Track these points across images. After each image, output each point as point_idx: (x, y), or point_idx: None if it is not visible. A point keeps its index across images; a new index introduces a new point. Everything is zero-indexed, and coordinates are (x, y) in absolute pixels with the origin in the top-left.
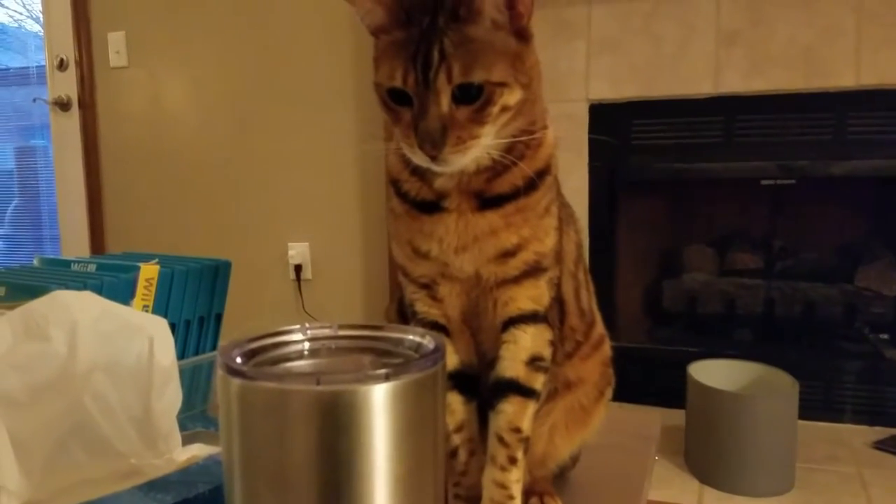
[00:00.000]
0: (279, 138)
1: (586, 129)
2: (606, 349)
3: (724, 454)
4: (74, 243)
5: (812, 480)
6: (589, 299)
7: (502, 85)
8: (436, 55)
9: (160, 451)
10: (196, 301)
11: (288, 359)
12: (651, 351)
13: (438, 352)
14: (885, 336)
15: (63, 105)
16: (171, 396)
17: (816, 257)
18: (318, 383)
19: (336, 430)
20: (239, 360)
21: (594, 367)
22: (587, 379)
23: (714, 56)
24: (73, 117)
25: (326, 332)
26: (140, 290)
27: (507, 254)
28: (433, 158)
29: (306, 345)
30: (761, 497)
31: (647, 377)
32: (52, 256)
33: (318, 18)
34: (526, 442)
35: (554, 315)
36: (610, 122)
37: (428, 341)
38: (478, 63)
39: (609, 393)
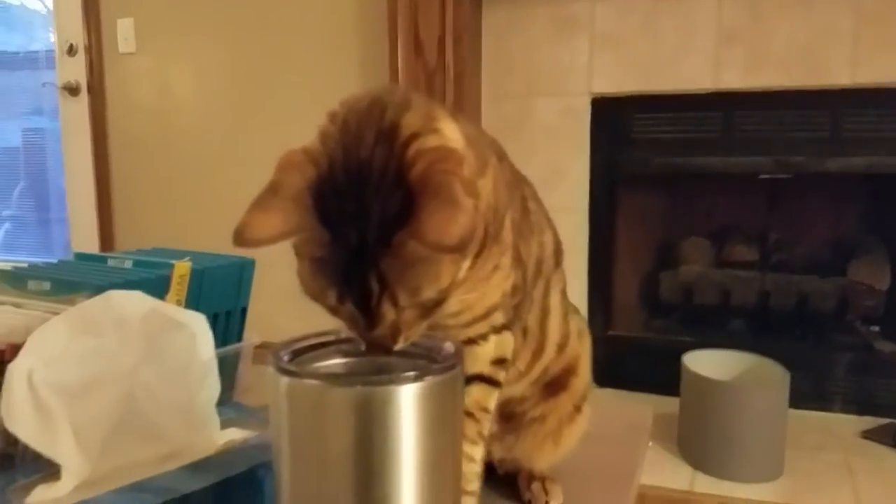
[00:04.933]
0: (286, 125)
1: (588, 123)
2: (578, 386)
3: (715, 441)
4: (83, 227)
5: (800, 468)
6: (561, 324)
7: (454, 282)
8: (374, 284)
9: (201, 435)
10: (224, 296)
11: (327, 358)
12: (647, 340)
13: (459, 355)
14: (876, 328)
15: (72, 90)
16: (210, 387)
17: (810, 251)
18: (356, 383)
19: (371, 423)
20: (286, 358)
21: (560, 405)
22: (549, 413)
23: (714, 53)
24: (82, 102)
25: None
26: (174, 286)
27: (450, 315)
28: None
29: (342, 346)
30: (751, 483)
31: (643, 366)
32: (86, 252)
33: (326, 7)
34: (490, 421)
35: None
36: (611, 117)
37: (448, 345)
38: (425, 282)
39: (587, 410)
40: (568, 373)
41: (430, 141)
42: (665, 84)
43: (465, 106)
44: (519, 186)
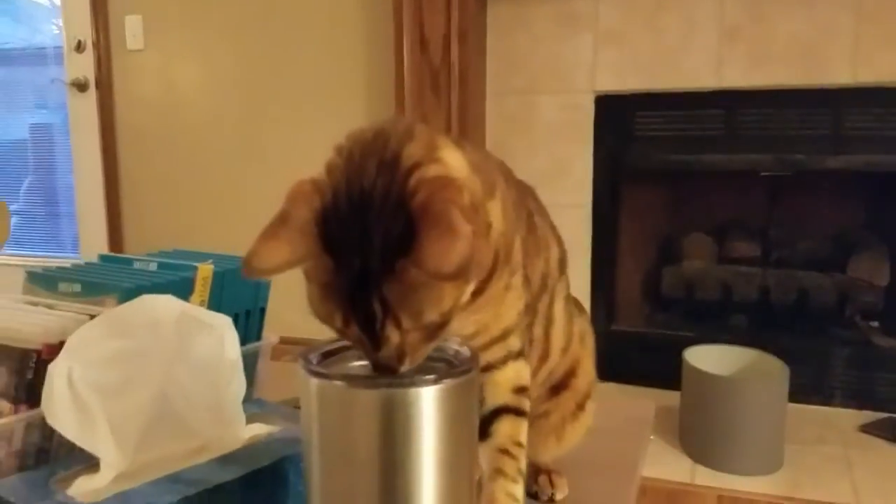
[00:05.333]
0: (293, 122)
1: (591, 120)
2: (580, 385)
3: (716, 435)
4: (91, 222)
5: (800, 461)
6: (565, 329)
7: (456, 306)
8: (378, 308)
9: (229, 430)
10: (244, 297)
11: (354, 359)
12: (649, 335)
13: (475, 359)
14: (875, 323)
15: (80, 86)
16: (237, 385)
17: (811, 247)
18: (380, 385)
19: (393, 422)
20: (315, 361)
21: (562, 403)
22: (552, 410)
23: (716, 51)
24: (90, 98)
25: None
26: (198, 287)
27: (467, 338)
28: None
29: None
30: (750, 475)
31: (645, 360)
32: (111, 254)
33: (332, 4)
34: (525, 455)
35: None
36: (614, 114)
37: (465, 349)
38: (427, 306)
39: (590, 407)
40: (569, 374)
41: (432, 171)
42: (668, 82)
43: (470, 103)
44: (525, 203)
